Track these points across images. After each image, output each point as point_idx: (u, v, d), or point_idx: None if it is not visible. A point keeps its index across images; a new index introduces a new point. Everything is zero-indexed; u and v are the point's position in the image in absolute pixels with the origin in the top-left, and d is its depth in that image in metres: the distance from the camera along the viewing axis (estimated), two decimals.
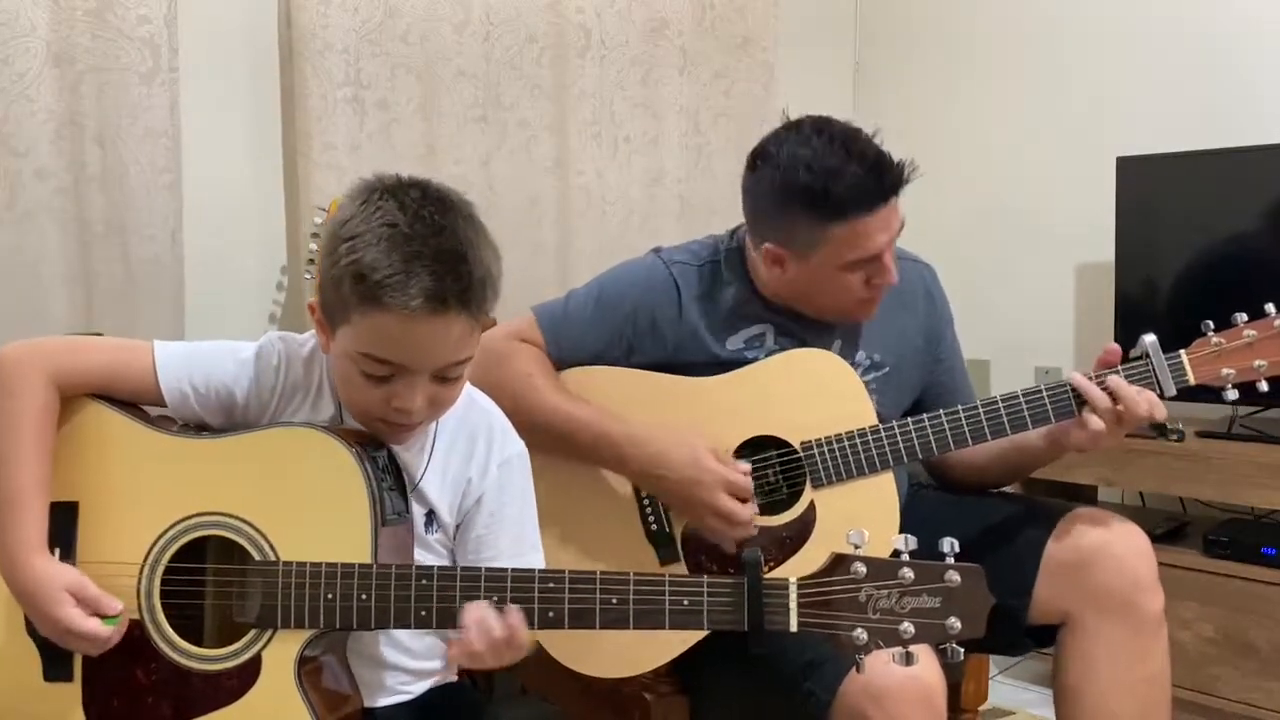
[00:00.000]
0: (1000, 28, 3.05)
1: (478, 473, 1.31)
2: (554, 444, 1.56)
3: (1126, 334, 2.59)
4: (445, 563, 1.33)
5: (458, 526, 1.33)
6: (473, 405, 1.35)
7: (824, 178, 1.50)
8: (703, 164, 2.79)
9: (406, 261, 1.12)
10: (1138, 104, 2.76)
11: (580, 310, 1.68)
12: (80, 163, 2.00)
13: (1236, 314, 1.53)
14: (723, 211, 1.84)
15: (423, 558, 1.31)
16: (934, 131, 3.07)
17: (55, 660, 1.21)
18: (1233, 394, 1.53)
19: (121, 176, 2.04)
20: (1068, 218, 2.88)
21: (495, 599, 1.16)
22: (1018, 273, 2.98)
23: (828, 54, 3.29)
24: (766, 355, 1.64)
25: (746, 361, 1.64)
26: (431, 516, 1.31)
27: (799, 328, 1.66)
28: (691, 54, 2.76)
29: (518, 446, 1.35)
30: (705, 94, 2.79)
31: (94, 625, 1.16)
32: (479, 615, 1.15)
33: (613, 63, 2.62)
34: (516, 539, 1.33)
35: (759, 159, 1.59)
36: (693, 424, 1.58)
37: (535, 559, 1.35)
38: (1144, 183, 2.58)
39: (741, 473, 1.52)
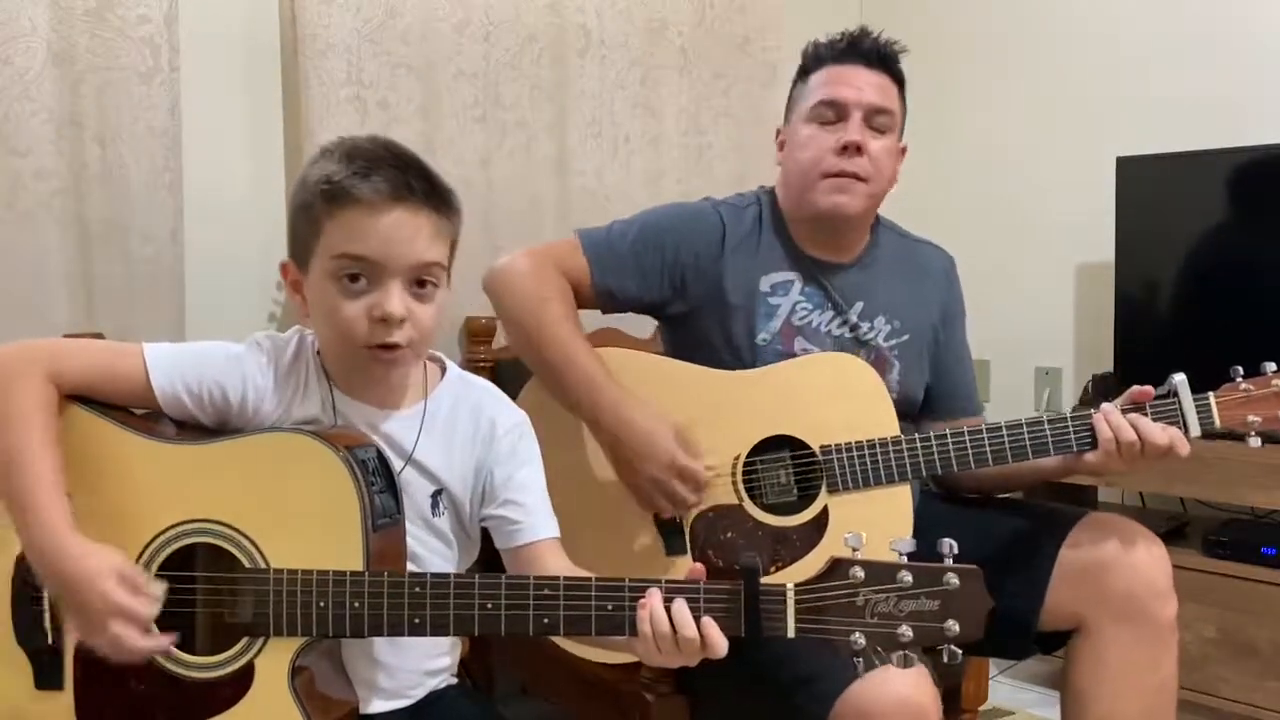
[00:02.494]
0: (1000, 28, 3.05)
1: (484, 443, 1.32)
2: (548, 377, 1.58)
3: (1126, 334, 2.61)
4: (452, 550, 1.33)
5: (481, 504, 1.32)
6: (466, 381, 1.37)
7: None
8: (703, 164, 2.78)
9: (369, 162, 1.20)
10: (1138, 104, 2.75)
11: (622, 238, 1.69)
12: (80, 163, 2.00)
13: (1266, 364, 1.54)
14: None
15: (430, 544, 1.30)
16: (934, 131, 3.05)
17: (46, 669, 1.21)
18: (1256, 441, 1.53)
19: (121, 176, 2.03)
20: (1068, 218, 2.88)
21: (490, 605, 1.16)
22: (1018, 273, 2.98)
23: None
24: (791, 304, 1.68)
25: (771, 308, 1.67)
26: (439, 496, 1.30)
27: (824, 278, 1.70)
28: (691, 54, 2.75)
29: (519, 414, 1.37)
30: (705, 94, 2.78)
31: (145, 605, 1.13)
32: (651, 609, 1.14)
33: (612, 63, 2.62)
34: (546, 504, 1.34)
35: None
36: (714, 416, 1.59)
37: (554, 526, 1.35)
38: (1144, 183, 2.58)
39: (697, 466, 1.53)
